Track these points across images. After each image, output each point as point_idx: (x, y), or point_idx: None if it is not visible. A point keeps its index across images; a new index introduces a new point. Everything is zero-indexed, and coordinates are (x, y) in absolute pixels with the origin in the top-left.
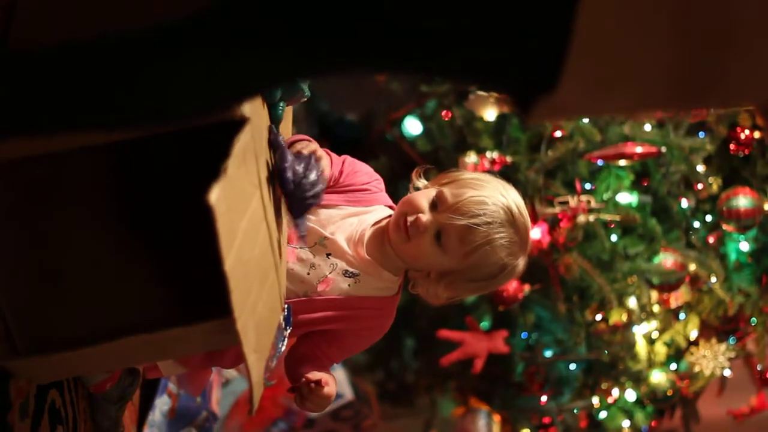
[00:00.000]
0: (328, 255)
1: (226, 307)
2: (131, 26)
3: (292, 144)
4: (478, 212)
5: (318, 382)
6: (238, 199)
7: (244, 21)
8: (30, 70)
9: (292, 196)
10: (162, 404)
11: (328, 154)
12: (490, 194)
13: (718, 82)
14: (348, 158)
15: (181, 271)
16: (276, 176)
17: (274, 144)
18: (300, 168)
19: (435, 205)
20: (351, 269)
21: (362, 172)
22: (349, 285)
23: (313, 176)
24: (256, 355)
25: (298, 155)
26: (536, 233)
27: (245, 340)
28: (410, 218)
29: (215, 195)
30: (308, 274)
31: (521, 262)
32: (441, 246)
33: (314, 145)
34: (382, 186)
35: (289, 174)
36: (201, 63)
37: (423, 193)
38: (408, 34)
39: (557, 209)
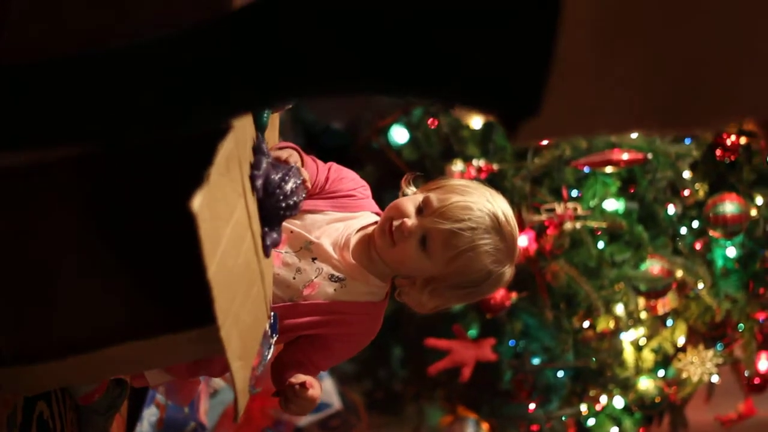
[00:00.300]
0: (313, 259)
1: (211, 316)
2: (124, 39)
3: (277, 152)
4: (462, 217)
5: (302, 385)
6: (221, 206)
7: (243, 39)
8: (27, 83)
9: (262, 205)
10: (150, 415)
11: (314, 162)
12: (476, 200)
13: (700, 102)
14: (334, 165)
15: (165, 279)
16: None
17: (255, 150)
18: (276, 177)
19: (421, 210)
20: (337, 273)
21: (348, 179)
22: (335, 290)
23: (289, 186)
24: (240, 362)
25: (276, 164)
26: (523, 240)
27: (229, 347)
28: (396, 222)
29: (198, 202)
30: (294, 278)
31: (508, 271)
32: (426, 251)
33: (297, 156)
34: (369, 192)
35: (260, 182)
36: (197, 77)
37: (410, 198)
38: (403, 61)
39: (544, 216)
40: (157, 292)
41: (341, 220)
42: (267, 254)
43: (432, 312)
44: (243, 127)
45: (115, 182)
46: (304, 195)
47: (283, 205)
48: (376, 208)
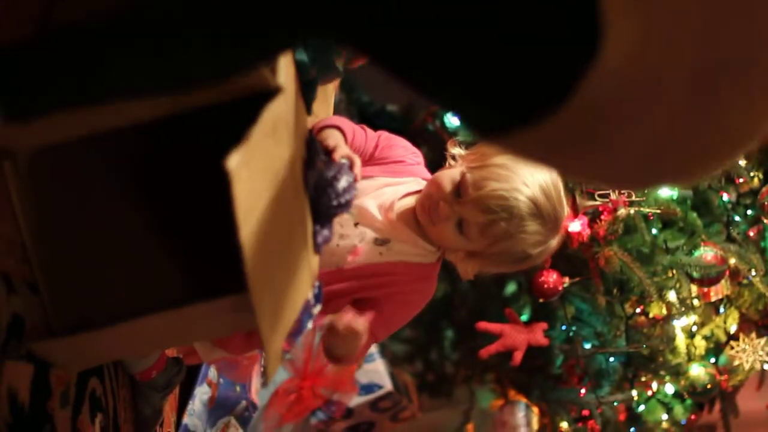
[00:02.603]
0: (356, 224)
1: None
2: None
3: (320, 130)
4: (496, 209)
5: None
6: (263, 168)
7: None
8: (69, 46)
9: (314, 203)
10: (202, 393)
11: (363, 130)
12: (512, 186)
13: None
14: (384, 133)
15: (203, 245)
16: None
17: (308, 145)
18: (329, 173)
19: (458, 191)
20: (380, 237)
21: (398, 146)
22: (380, 253)
23: (341, 184)
24: (273, 329)
25: (328, 160)
26: (576, 226)
27: (261, 312)
28: (433, 202)
29: (234, 161)
30: (337, 245)
31: (552, 243)
32: (463, 234)
33: (343, 142)
34: (420, 159)
35: (312, 180)
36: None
37: (449, 175)
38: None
39: (598, 202)
40: (195, 259)
41: (390, 185)
42: (317, 251)
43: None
44: (293, 95)
45: (161, 149)
46: (355, 192)
47: (335, 203)
48: (428, 175)
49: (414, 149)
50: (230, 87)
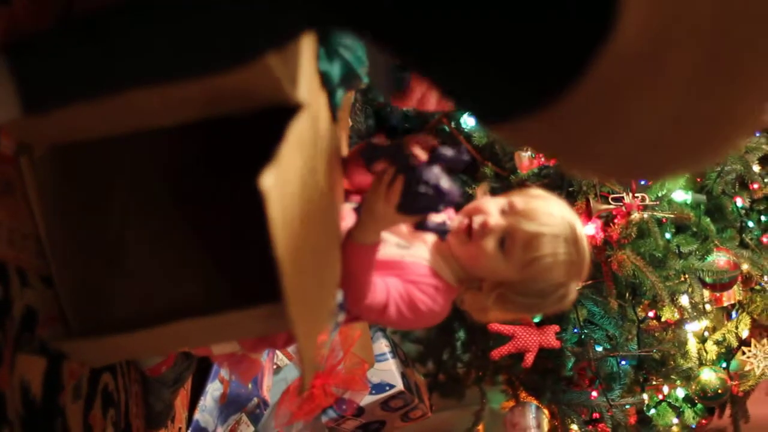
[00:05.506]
0: None
1: (280, 293)
2: None
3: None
4: (547, 221)
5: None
6: (293, 184)
7: None
8: (84, 34)
9: (419, 203)
10: (213, 390)
11: None
12: (558, 210)
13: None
14: None
15: (235, 255)
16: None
17: (396, 148)
18: (433, 176)
19: (504, 211)
20: (403, 242)
21: None
22: (402, 256)
23: (445, 183)
24: (309, 339)
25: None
26: (590, 229)
27: (298, 325)
28: (477, 218)
29: (269, 180)
30: None
31: (573, 288)
32: (504, 251)
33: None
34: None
35: (417, 183)
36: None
37: (491, 198)
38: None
39: (612, 206)
40: (229, 268)
41: None
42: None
43: (490, 320)
44: (317, 105)
45: (188, 159)
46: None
47: (442, 204)
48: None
49: None
50: (252, 100)
